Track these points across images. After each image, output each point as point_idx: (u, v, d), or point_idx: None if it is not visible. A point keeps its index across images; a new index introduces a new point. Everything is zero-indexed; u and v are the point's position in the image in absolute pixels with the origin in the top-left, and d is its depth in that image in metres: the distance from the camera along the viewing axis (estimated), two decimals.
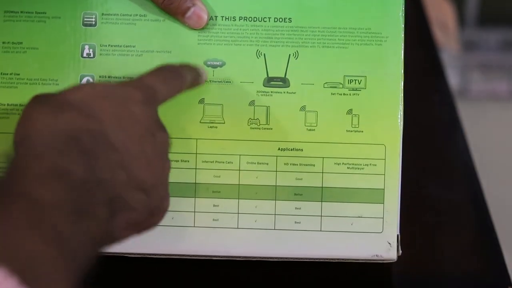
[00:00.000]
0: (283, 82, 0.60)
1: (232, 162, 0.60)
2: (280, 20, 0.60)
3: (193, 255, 0.60)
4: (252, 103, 0.60)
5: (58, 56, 0.60)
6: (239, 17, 0.60)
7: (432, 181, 0.70)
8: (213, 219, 0.59)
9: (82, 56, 0.60)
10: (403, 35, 0.60)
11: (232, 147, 0.59)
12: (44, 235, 0.39)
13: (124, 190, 0.45)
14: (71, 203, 0.41)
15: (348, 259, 0.60)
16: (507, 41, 1.86)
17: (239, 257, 0.60)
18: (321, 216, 0.59)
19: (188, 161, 0.60)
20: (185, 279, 0.62)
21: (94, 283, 0.59)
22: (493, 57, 1.84)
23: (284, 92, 0.60)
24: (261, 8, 0.60)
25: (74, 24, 0.60)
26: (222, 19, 0.60)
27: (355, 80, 0.60)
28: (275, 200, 0.59)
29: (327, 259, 0.60)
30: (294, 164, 0.60)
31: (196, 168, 0.60)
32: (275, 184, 0.60)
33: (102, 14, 0.60)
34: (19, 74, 0.60)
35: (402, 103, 0.60)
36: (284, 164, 0.60)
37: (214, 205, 0.59)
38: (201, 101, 0.60)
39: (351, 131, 0.60)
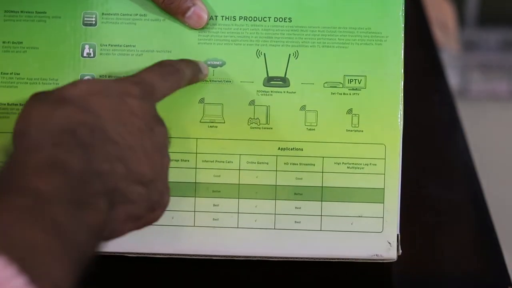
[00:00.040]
0: (283, 81, 0.60)
1: (232, 162, 0.60)
2: (280, 19, 0.60)
3: (193, 255, 0.60)
4: (252, 102, 0.60)
5: (58, 55, 0.60)
6: (239, 16, 0.60)
7: (432, 181, 0.70)
8: (213, 219, 0.59)
9: (82, 55, 0.60)
10: (403, 35, 0.60)
11: (232, 147, 0.59)
12: (43, 224, 0.39)
13: (123, 183, 0.45)
14: (70, 194, 0.42)
15: (348, 259, 0.60)
16: (507, 41, 1.86)
17: (239, 256, 0.60)
18: (321, 215, 0.59)
19: (188, 161, 0.60)
20: (185, 279, 0.62)
21: (94, 283, 0.59)
22: (493, 57, 1.84)
23: (284, 92, 0.60)
24: (261, 8, 0.60)
25: (74, 23, 0.60)
26: (222, 19, 0.60)
27: (355, 79, 0.60)
28: (275, 199, 0.59)
29: (327, 258, 0.60)
30: (294, 164, 0.60)
31: (196, 168, 0.60)
32: (275, 184, 0.60)
33: (102, 13, 0.60)
34: (19, 74, 0.60)
35: (402, 102, 0.60)
36: (284, 163, 0.60)
37: (214, 205, 0.59)
38: (201, 100, 0.60)
39: (351, 130, 0.60)
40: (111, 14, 0.60)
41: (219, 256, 0.60)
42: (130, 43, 0.60)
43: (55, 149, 0.43)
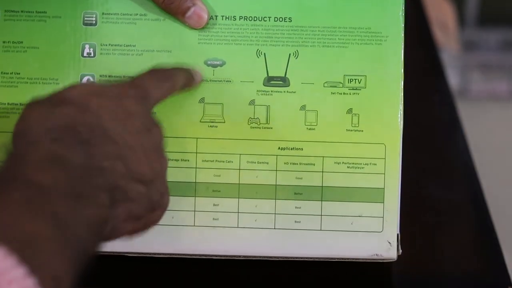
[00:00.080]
0: (283, 81, 0.60)
1: (232, 161, 0.60)
2: (280, 19, 0.60)
3: (193, 254, 0.60)
4: (252, 102, 0.60)
5: (59, 55, 0.60)
6: (239, 16, 0.60)
7: (432, 181, 0.70)
8: (213, 218, 0.59)
9: (82, 55, 0.60)
10: (403, 35, 0.60)
11: (232, 146, 0.60)
12: (43, 217, 0.40)
13: (123, 181, 0.46)
14: (70, 188, 0.42)
15: (348, 259, 0.60)
16: (507, 41, 1.86)
17: (239, 256, 0.60)
18: (321, 215, 0.59)
19: (188, 160, 0.60)
20: (185, 279, 0.62)
21: (94, 283, 0.59)
22: (493, 57, 1.84)
23: (284, 92, 0.60)
24: (261, 7, 0.60)
25: (75, 23, 0.60)
26: (222, 19, 0.60)
27: (355, 79, 0.60)
28: (275, 199, 0.60)
29: (327, 258, 0.60)
30: (294, 163, 0.60)
31: (196, 167, 0.60)
32: (275, 183, 0.60)
33: (103, 13, 0.60)
34: (19, 73, 0.60)
35: (402, 102, 0.60)
36: (284, 163, 0.60)
37: (214, 204, 0.59)
38: (201, 100, 0.60)
39: (351, 130, 0.60)
40: (111, 14, 0.60)
41: (219, 255, 0.60)
42: (130, 43, 0.60)
43: (55, 145, 0.44)
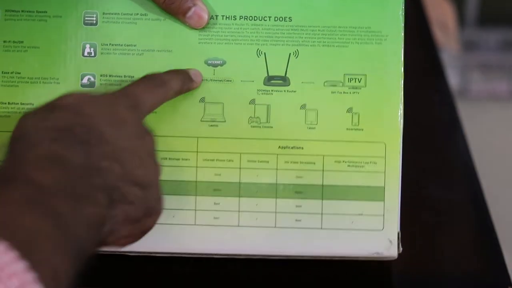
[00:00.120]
0: (284, 80, 0.60)
1: (232, 160, 0.60)
2: (281, 19, 0.60)
3: (194, 253, 0.60)
4: (252, 101, 0.60)
5: (59, 55, 0.60)
6: (240, 16, 0.60)
7: (432, 181, 0.70)
8: (214, 217, 0.60)
9: (83, 55, 0.60)
10: (403, 34, 0.60)
11: (232, 146, 0.60)
12: (43, 214, 0.40)
13: (121, 182, 0.46)
14: (69, 187, 0.43)
15: (348, 257, 0.60)
16: (507, 41, 1.86)
17: (240, 255, 0.60)
18: (321, 214, 0.60)
19: (189, 160, 0.60)
20: (185, 278, 0.62)
21: (95, 282, 0.59)
22: (493, 57, 1.84)
23: (285, 91, 0.60)
24: (262, 7, 0.60)
25: (75, 23, 0.60)
26: (223, 18, 0.60)
27: (355, 78, 0.60)
28: (276, 198, 0.60)
29: (328, 257, 0.60)
30: (294, 162, 0.60)
31: (197, 167, 0.60)
32: (275, 182, 0.60)
33: (103, 13, 0.60)
34: (20, 73, 0.60)
35: (402, 101, 0.60)
36: (285, 162, 0.60)
37: (215, 203, 0.60)
38: (202, 99, 0.60)
39: (351, 129, 0.60)
40: (112, 14, 0.60)
41: (219, 254, 0.60)
42: (131, 43, 0.60)
43: (54, 145, 0.44)
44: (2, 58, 0.60)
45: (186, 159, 0.60)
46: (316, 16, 0.60)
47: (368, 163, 0.60)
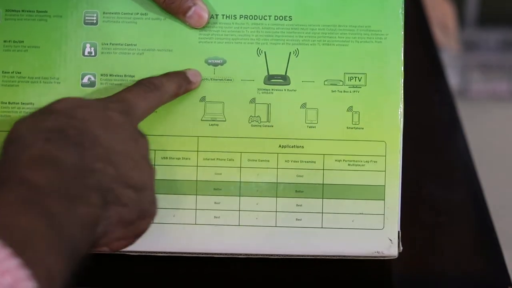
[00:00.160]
0: (284, 79, 0.60)
1: (233, 160, 0.60)
2: (281, 18, 0.60)
3: (194, 253, 0.60)
4: (253, 100, 0.60)
5: (60, 54, 0.60)
6: (240, 15, 0.61)
7: (432, 181, 0.70)
8: (214, 217, 0.60)
9: (83, 54, 0.60)
10: (403, 33, 0.60)
11: (233, 145, 0.60)
12: (37, 214, 0.40)
13: (114, 184, 0.46)
14: (63, 187, 0.43)
15: (349, 256, 0.60)
16: (507, 41, 1.86)
17: (240, 254, 0.60)
18: (322, 213, 0.60)
19: (189, 159, 0.60)
20: (186, 277, 0.62)
21: (95, 281, 0.59)
22: (493, 57, 1.84)
23: (285, 90, 0.60)
24: (262, 6, 0.60)
25: (76, 22, 0.60)
26: (223, 18, 0.61)
27: (355, 77, 0.60)
28: (276, 197, 0.60)
29: (328, 256, 0.60)
30: (295, 161, 0.60)
31: (197, 166, 0.60)
32: (276, 181, 0.60)
33: (104, 12, 0.60)
34: (20, 73, 0.60)
35: (402, 99, 0.60)
36: (285, 161, 0.60)
37: (215, 203, 0.60)
38: (202, 99, 0.60)
39: (352, 128, 0.60)
40: (112, 13, 0.60)
41: (220, 254, 0.60)
42: (131, 42, 0.60)
43: (47, 145, 0.44)
44: (2, 58, 0.60)
45: (187, 159, 0.60)
46: (316, 15, 0.60)
47: (368, 162, 0.60)
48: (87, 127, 0.47)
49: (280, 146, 0.60)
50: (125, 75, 0.60)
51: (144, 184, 0.49)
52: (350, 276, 0.62)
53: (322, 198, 0.60)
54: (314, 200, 0.59)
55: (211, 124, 0.60)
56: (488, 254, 0.64)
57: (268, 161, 0.60)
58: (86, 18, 0.60)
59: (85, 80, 0.60)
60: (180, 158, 0.60)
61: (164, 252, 0.60)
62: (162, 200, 0.59)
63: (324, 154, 0.60)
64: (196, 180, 0.60)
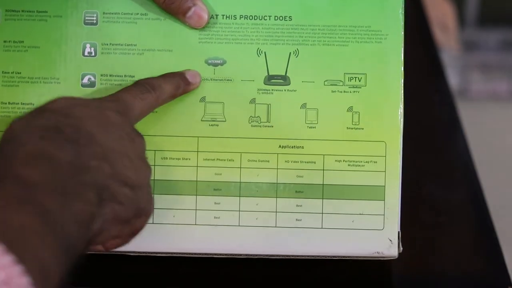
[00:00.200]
0: (284, 80, 0.60)
1: (233, 160, 0.60)
2: (281, 18, 0.60)
3: (194, 253, 0.60)
4: (253, 101, 0.60)
5: (60, 54, 0.60)
6: (240, 15, 0.61)
7: (432, 181, 0.70)
8: (214, 217, 0.60)
9: (83, 54, 0.60)
10: (403, 33, 0.60)
11: (233, 145, 0.60)
12: (31, 210, 0.40)
13: (110, 181, 0.46)
14: (58, 184, 0.43)
15: (349, 256, 0.60)
16: (507, 41, 1.86)
17: (240, 255, 0.60)
18: (322, 213, 0.60)
19: (189, 159, 0.60)
20: (186, 277, 0.62)
21: (95, 282, 0.59)
22: (493, 57, 1.84)
23: (285, 90, 0.60)
24: (262, 6, 0.60)
25: (76, 22, 0.60)
26: (223, 18, 0.61)
27: (355, 77, 0.60)
28: (276, 197, 0.60)
29: (328, 256, 0.60)
30: (295, 162, 0.60)
31: (197, 166, 0.60)
32: (276, 182, 0.60)
33: (104, 13, 0.60)
34: (20, 73, 0.60)
35: (403, 100, 0.60)
36: (285, 161, 0.60)
37: (215, 203, 0.60)
38: (202, 99, 0.60)
39: (352, 128, 0.60)
40: (112, 13, 0.60)
41: (220, 254, 0.60)
42: (131, 42, 0.60)
43: (43, 142, 0.44)
44: (2, 58, 0.60)
45: (187, 159, 0.60)
46: (316, 15, 0.60)
47: (368, 162, 0.60)
48: (83, 125, 0.47)
49: (280, 146, 0.60)
50: (125, 76, 0.60)
51: (140, 182, 0.49)
52: (350, 276, 0.62)
53: (322, 199, 0.60)
54: (314, 201, 0.59)
55: (211, 125, 0.60)
56: (488, 254, 0.64)
57: (268, 161, 0.60)
58: (86, 18, 0.60)
59: (85, 80, 0.60)
60: (180, 159, 0.60)
61: (164, 253, 0.60)
62: (162, 200, 0.59)
63: (324, 155, 0.60)
64: (196, 181, 0.60)
